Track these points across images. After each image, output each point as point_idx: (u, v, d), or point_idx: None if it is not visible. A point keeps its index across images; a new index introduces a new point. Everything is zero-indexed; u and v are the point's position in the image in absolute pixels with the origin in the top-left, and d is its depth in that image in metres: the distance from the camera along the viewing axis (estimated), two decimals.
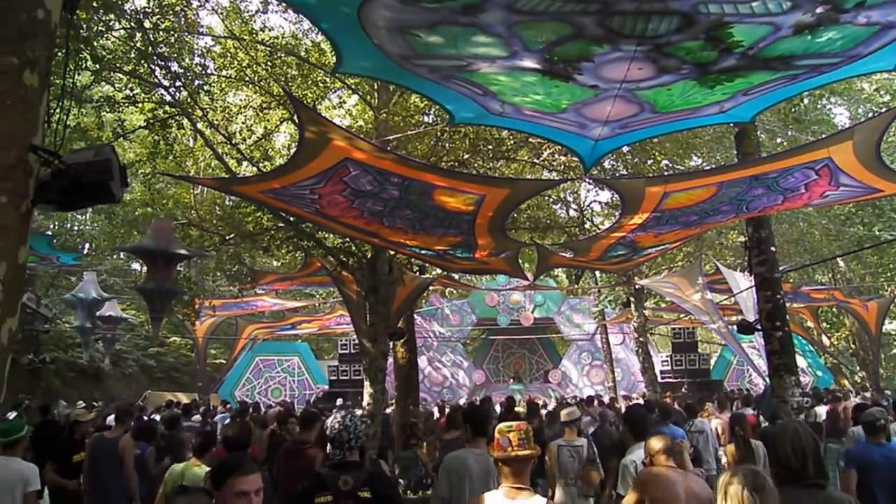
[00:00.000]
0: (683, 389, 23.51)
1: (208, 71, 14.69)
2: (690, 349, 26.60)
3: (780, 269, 11.83)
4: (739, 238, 22.65)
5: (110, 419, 13.77)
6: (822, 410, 12.96)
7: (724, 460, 8.33)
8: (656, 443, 5.08)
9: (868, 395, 18.94)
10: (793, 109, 14.53)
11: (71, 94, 3.42)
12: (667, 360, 26.57)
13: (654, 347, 30.03)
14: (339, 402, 20.12)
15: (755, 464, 6.39)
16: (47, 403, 10.53)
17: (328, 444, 4.45)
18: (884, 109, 16.58)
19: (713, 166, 18.54)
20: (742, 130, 11.17)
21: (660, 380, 24.20)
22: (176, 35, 13.26)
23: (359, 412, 13.45)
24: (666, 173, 15.83)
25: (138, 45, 12.77)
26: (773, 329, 10.60)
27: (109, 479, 7.77)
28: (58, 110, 3.29)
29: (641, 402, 17.04)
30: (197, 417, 15.59)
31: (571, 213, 22.79)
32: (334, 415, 4.67)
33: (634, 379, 29.39)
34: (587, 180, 15.36)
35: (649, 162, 15.66)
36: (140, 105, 13.94)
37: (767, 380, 11.86)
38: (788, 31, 4.74)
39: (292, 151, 15.98)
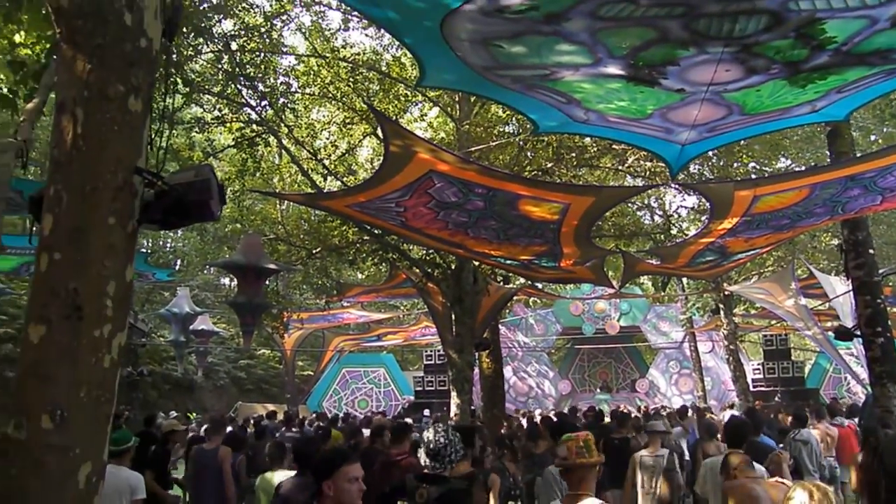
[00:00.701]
0: (777, 398, 22.79)
1: (292, 89, 15.03)
2: (783, 356, 25.73)
3: (880, 272, 11.35)
4: (833, 241, 21.90)
5: (204, 431, 14.19)
6: None
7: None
8: (734, 459, 5.09)
9: None
10: (889, 105, 13.96)
11: (167, 117, 3.55)
12: (758, 368, 25.76)
13: (745, 355, 29.19)
14: (427, 413, 20.17)
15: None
16: (152, 414, 10.92)
17: (426, 456, 4.48)
18: None
19: (804, 167, 17.99)
20: (835, 129, 10.77)
21: (752, 388, 23.48)
22: (261, 56, 13.61)
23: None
24: (753, 176, 15.44)
25: (226, 66, 13.16)
26: (874, 335, 10.16)
27: (209, 489, 8.01)
28: (157, 133, 3.41)
29: (735, 412, 16.61)
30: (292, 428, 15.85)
31: (657, 218, 22.43)
32: (433, 428, 4.71)
33: (725, 388, 28.62)
34: (674, 186, 15.08)
35: (736, 165, 15.30)
36: (228, 125, 14.37)
37: (868, 388, 11.38)
38: (886, 23, 4.56)
39: (375, 165, 16.21)
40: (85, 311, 2.82)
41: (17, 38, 8.21)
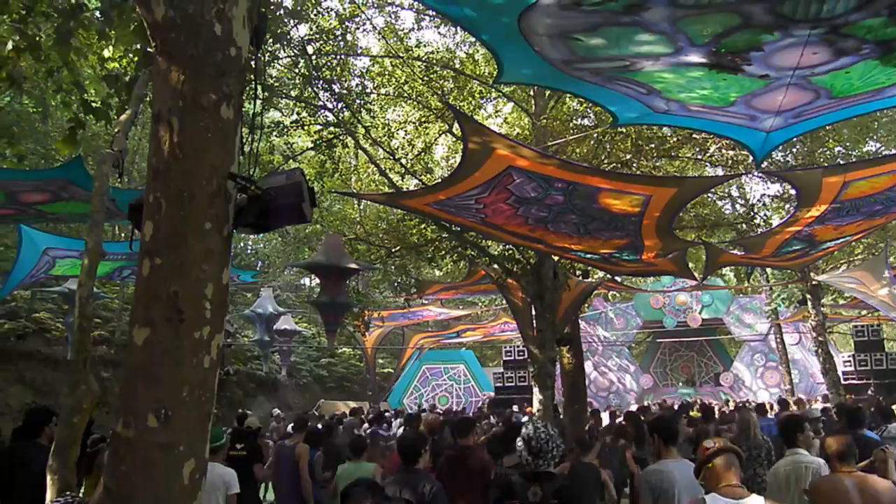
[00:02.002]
0: (870, 391, 21.99)
1: (368, 90, 15.20)
2: (876, 348, 24.77)
3: None
4: None
5: (290, 428, 14.50)
6: None
7: None
8: (832, 443, 4.82)
9: None
10: None
11: (256, 123, 3.65)
12: (849, 361, 24.87)
13: (834, 347, 28.25)
14: (515, 408, 20.13)
15: None
16: (245, 413, 11.25)
17: (527, 454, 4.43)
18: None
19: (895, 151, 17.33)
20: None
21: (843, 381, 22.70)
22: (337, 58, 13.80)
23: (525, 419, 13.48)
24: (840, 161, 14.95)
25: (302, 70, 13.39)
26: None
27: (289, 485, 8.20)
28: (249, 139, 3.50)
29: (827, 405, 16.12)
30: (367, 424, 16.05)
31: (739, 208, 21.92)
32: (532, 424, 4.67)
33: (814, 381, 27.79)
34: (758, 174, 14.71)
35: (822, 150, 14.84)
36: (306, 127, 14.61)
37: None
38: None
39: (451, 163, 16.28)
40: (186, 314, 2.92)
41: (106, 54, 8.54)
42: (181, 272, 2.95)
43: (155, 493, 2.84)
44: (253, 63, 3.58)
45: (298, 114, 14.50)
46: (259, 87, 10.95)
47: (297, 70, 13.69)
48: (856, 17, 4.62)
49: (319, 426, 13.69)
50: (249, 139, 3.60)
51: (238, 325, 31.34)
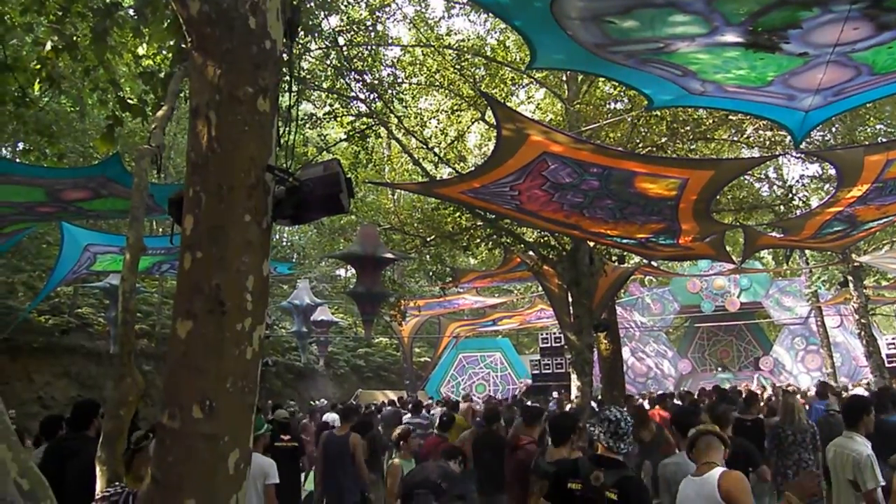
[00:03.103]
0: None
1: (399, 79, 15.21)
2: None
3: None
4: None
5: (328, 416, 14.61)
6: None
7: None
8: None
9: None
10: None
11: (291, 116, 3.67)
12: (893, 343, 24.47)
13: (878, 329, 27.79)
14: (556, 395, 20.10)
15: None
16: (279, 403, 11.39)
17: (607, 437, 4.39)
18: None
19: None
20: None
21: (887, 364, 22.31)
22: (368, 49, 13.82)
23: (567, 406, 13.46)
24: (882, 139, 14.67)
25: (334, 62, 13.43)
26: None
27: (342, 473, 8.27)
28: (285, 131, 3.52)
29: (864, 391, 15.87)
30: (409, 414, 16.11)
31: (776, 190, 21.60)
32: (615, 407, 4.71)
33: (856, 364, 27.39)
34: (796, 155, 14.49)
35: (861, 128, 14.58)
36: (339, 119, 14.66)
37: None
38: None
39: (485, 150, 16.24)
40: (227, 306, 2.95)
41: (141, 51, 8.64)
42: (222, 265, 2.98)
43: (201, 483, 2.87)
44: (286, 55, 3.58)
45: (331, 105, 14.55)
46: (293, 80, 11.02)
47: (328, 62, 13.73)
48: None
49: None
50: (285, 131, 3.62)
51: (276, 316, 31.63)
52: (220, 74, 3.07)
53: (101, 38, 6.71)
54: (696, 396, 16.27)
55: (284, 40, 3.43)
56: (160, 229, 23.71)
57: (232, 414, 2.96)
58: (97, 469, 4.15)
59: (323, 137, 15.61)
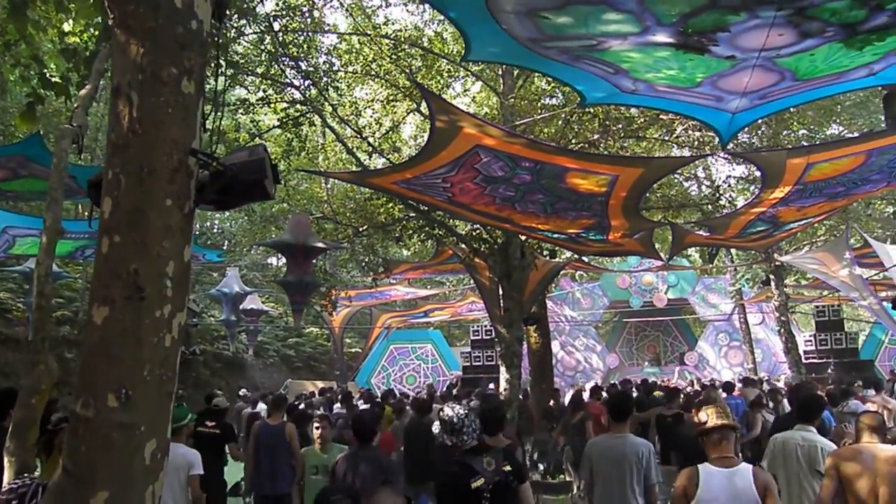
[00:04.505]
0: (830, 370, 22.40)
1: (335, 67, 15.06)
2: (836, 328, 25.19)
3: None
4: (888, 208, 21.40)
5: (259, 406, 14.46)
6: None
7: None
8: (866, 419, 5.06)
9: None
10: None
11: (215, 99, 3.58)
12: (810, 340, 25.29)
13: (797, 326, 28.70)
14: (491, 386, 20.22)
15: None
16: (212, 393, 11.19)
17: (446, 433, 4.75)
18: None
19: (857, 133, 17.55)
20: (891, 93, 10.51)
21: (804, 360, 23.11)
22: (304, 35, 13.64)
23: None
24: (804, 143, 15.12)
25: (269, 47, 13.23)
26: None
27: (277, 462, 8.15)
28: (211, 115, 3.44)
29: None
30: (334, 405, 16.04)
31: (705, 189, 22.10)
32: (449, 406, 5.07)
33: (776, 360, 28.25)
34: (723, 155, 14.83)
35: (786, 132, 14.99)
36: (273, 105, 14.45)
37: None
38: None
39: (420, 142, 16.24)
40: (146, 292, 2.87)
41: (66, 27, 8.35)
42: (141, 250, 2.90)
43: (116, 474, 2.79)
44: (217, 38, 3.49)
45: (265, 91, 14.35)
46: (224, 63, 10.77)
47: (263, 47, 13.52)
48: (820, 0, 4.65)
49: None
50: (213, 115, 3.54)
51: (204, 304, 31.10)
52: (142, 53, 2.98)
53: (20, 10, 6.44)
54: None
55: (213, 22, 3.34)
56: (86, 213, 23.01)
57: (149, 402, 2.89)
58: (5, 460, 4.01)
59: (256, 123, 15.31)
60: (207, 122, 3.44)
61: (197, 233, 29.09)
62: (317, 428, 7.29)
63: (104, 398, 2.79)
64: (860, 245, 18.23)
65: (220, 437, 8.82)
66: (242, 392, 18.29)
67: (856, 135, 16.85)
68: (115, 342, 2.85)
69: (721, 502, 4.20)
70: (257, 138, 14.97)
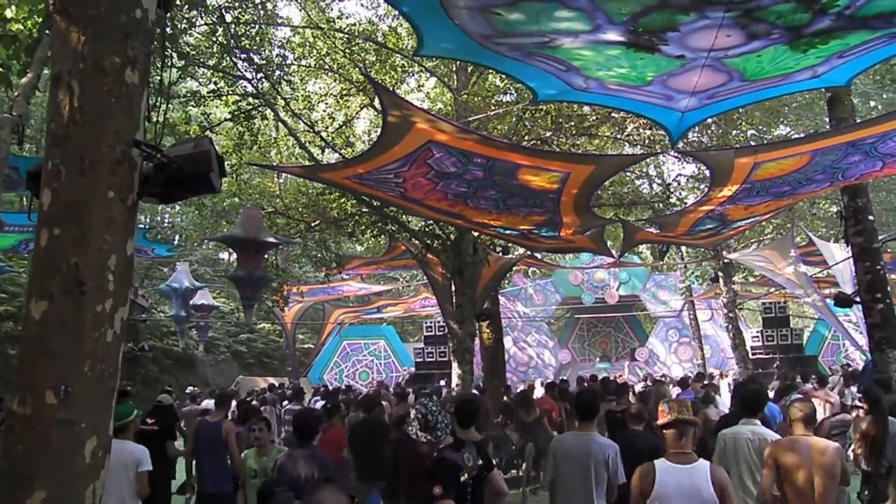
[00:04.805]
0: (776, 366, 22.87)
1: (288, 61, 14.92)
2: (782, 324, 25.74)
3: (880, 238, 11.33)
4: (833, 208, 21.87)
5: (206, 403, 14.24)
6: None
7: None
8: (796, 410, 5.12)
9: None
10: (890, 70, 13.86)
11: (161, 91, 3.52)
12: (757, 336, 25.80)
13: (744, 323, 29.26)
14: (443, 383, 20.21)
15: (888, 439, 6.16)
16: (166, 388, 11.01)
17: (420, 430, 4.77)
18: None
19: (803, 134, 17.92)
20: (835, 95, 10.72)
21: (751, 356, 23.60)
22: (256, 27, 13.49)
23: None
24: (753, 143, 15.38)
25: (220, 39, 13.05)
26: (874, 301, 10.18)
27: (215, 460, 8.03)
28: (156, 106, 3.38)
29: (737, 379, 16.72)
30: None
31: (656, 187, 22.38)
32: (422, 402, 5.13)
33: (724, 356, 28.74)
34: (674, 154, 15.03)
35: (735, 132, 15.24)
36: (224, 98, 14.27)
37: (868, 355, 11.42)
38: None
39: (373, 137, 16.19)
40: (87, 286, 2.81)
41: (9, 13, 8.13)
42: (82, 243, 2.83)
43: (54, 473, 2.73)
44: (164, 28, 3.43)
45: (216, 84, 14.15)
46: (174, 54, 10.60)
47: (214, 38, 13.33)
48: (767, 2, 4.72)
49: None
50: (158, 106, 3.48)
51: (153, 299, 30.61)
52: (84, 42, 2.91)
53: None
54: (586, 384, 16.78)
55: (158, 11, 3.28)
56: (33, 204, 22.42)
57: (89, 399, 2.83)
58: None
59: (207, 116, 15.11)
60: (154, 113, 3.38)
61: (146, 227, 28.56)
62: (253, 430, 7.02)
63: (42, 395, 2.73)
64: (805, 243, 18.65)
65: (159, 434, 8.63)
66: (189, 389, 18.01)
67: (801, 136, 17.21)
68: (53, 337, 2.78)
69: (677, 499, 4.22)
70: (208, 131, 14.78)
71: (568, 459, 5.59)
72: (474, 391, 13.96)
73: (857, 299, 10.75)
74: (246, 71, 13.47)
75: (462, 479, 4.46)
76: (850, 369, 17.33)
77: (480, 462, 4.59)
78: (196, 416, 11.50)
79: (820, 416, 10.00)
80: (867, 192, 10.90)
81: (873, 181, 16.30)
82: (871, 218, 10.69)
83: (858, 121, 11.01)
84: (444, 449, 4.76)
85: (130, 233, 3.03)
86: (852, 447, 6.79)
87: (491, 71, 12.05)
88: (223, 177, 3.26)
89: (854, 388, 13.00)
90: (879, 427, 6.23)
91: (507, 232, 11.30)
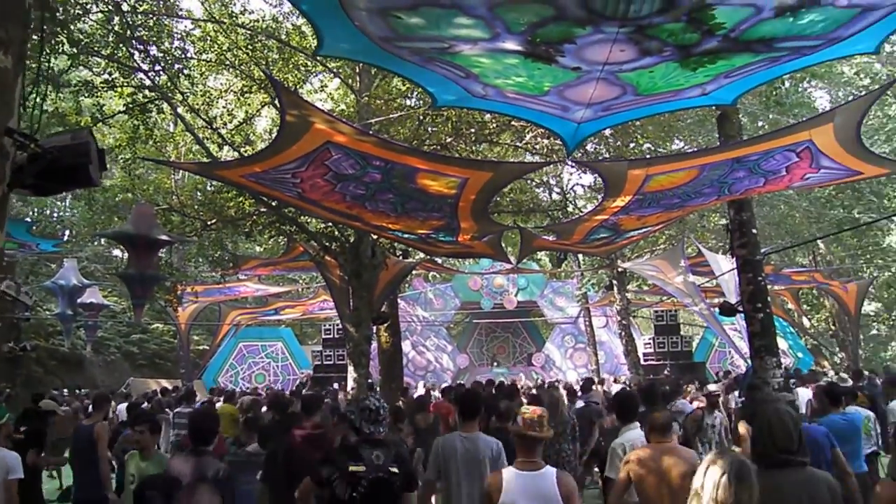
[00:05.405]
0: (666, 372, 23.66)
1: (188, 55, 14.56)
2: (673, 331, 26.65)
3: (762, 251, 11.86)
4: (721, 221, 22.78)
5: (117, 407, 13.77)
6: (803, 392, 13.00)
7: (742, 433, 8.27)
8: (655, 418, 5.23)
9: (844, 375, 19.20)
10: (774, 92, 14.54)
11: (47, 77, 3.38)
12: (650, 343, 26.64)
13: (638, 330, 30.13)
14: (336, 386, 20.05)
15: None
16: (40, 392, 10.44)
17: (365, 422, 4.74)
18: (864, 93, 16.65)
19: (695, 149, 18.57)
20: (724, 113, 11.18)
21: (643, 362, 24.33)
22: (154, 18, 13.11)
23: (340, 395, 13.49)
24: (648, 156, 15.86)
25: (116, 28, 12.64)
26: (755, 311, 10.63)
27: (85, 465, 7.68)
28: (34, 94, 3.24)
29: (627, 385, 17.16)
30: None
31: (554, 196, 22.83)
32: (371, 396, 5.14)
33: (618, 361, 29.52)
34: (570, 163, 15.36)
35: (631, 145, 15.68)
36: (119, 89, 13.81)
37: (749, 361, 11.92)
38: (770, 13, 4.72)
39: (274, 136, 15.96)
40: None
41: None
42: None
43: None
44: (50, 12, 3.29)
45: (111, 74, 13.67)
46: (64, 41, 10.21)
47: (110, 27, 12.88)
48: (659, 20, 4.85)
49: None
50: (38, 93, 3.33)
51: (38, 297, 29.30)
52: None
53: None
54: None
55: None
56: None
57: None
58: None
59: (100, 107, 14.54)
60: (33, 101, 3.25)
61: (32, 220, 27.29)
62: (135, 431, 6.65)
63: None
64: (695, 254, 19.35)
65: (24, 442, 8.14)
66: (77, 392, 17.36)
67: (693, 150, 17.84)
68: None
69: (523, 501, 4.34)
70: (101, 123, 14.28)
71: (453, 460, 5.66)
72: (371, 394, 13.92)
73: (741, 308, 11.20)
74: (143, 62, 13.08)
75: (353, 468, 4.48)
76: (733, 376, 18.08)
77: (395, 470, 4.54)
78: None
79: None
80: (752, 207, 11.38)
81: (758, 196, 17.06)
82: (754, 231, 11.16)
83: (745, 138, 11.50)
84: (358, 441, 4.78)
85: (1, 225, 2.89)
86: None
87: (394, 74, 12.07)
88: (104, 170, 3.15)
89: (736, 394, 13.53)
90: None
91: (406, 236, 11.30)
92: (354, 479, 4.47)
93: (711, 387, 11.01)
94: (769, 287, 12.73)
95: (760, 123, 22.94)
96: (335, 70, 14.79)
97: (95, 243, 35.75)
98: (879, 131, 20.63)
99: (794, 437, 3.70)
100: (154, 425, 6.69)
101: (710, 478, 3.07)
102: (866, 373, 17.21)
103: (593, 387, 13.79)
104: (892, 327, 32.45)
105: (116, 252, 37.47)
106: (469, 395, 6.42)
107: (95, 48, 13.05)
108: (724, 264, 16.33)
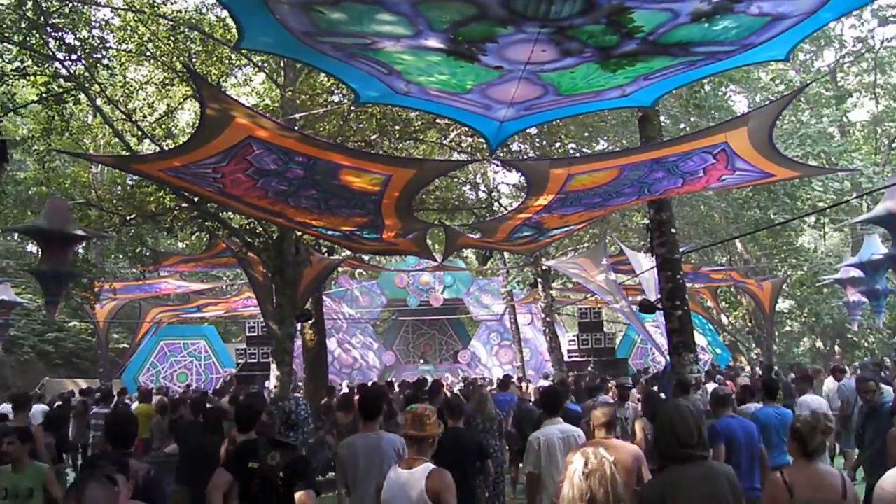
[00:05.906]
0: (590, 368, 24.00)
1: (107, 44, 14.13)
2: (596, 329, 27.01)
3: (681, 250, 12.16)
4: (643, 220, 23.26)
5: (2, 407, 13.24)
6: (710, 388, 13.36)
7: (638, 436, 8.49)
8: (598, 416, 5.26)
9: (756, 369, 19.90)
10: (694, 96, 14.92)
11: None
12: (574, 340, 26.95)
13: (562, 327, 30.54)
14: (255, 386, 19.75)
15: None
16: None
17: (284, 427, 4.77)
18: (778, 98, 17.20)
19: (617, 150, 18.89)
20: (645, 115, 11.41)
21: (567, 359, 24.65)
22: (71, 5, 12.70)
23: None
24: (570, 156, 16.10)
25: (29, 14, 12.20)
26: (674, 308, 10.89)
27: None
28: None
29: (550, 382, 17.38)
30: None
31: (480, 194, 22.95)
32: (293, 400, 5.06)
33: (542, 358, 29.86)
34: (493, 161, 15.48)
35: (556, 145, 15.87)
36: (32, 78, 13.34)
37: (668, 357, 12.20)
38: (686, 18, 4.83)
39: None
40: None
41: None
42: None
43: None
44: None
45: (23, 62, 13.18)
46: None
47: (22, 12, 12.42)
48: (579, 22, 4.91)
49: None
50: None
51: None
52: None
53: None
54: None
55: None
56: None
57: None
58: None
59: (11, 97, 14.02)
60: None
61: None
62: (6, 444, 6.02)
63: None
64: (617, 253, 19.70)
65: None
66: None
67: (615, 150, 18.15)
68: None
69: (394, 500, 4.41)
70: (12, 113, 13.78)
71: (359, 459, 5.69)
72: (292, 396, 13.79)
73: (660, 306, 11.46)
74: (58, 51, 12.65)
75: (251, 464, 4.60)
76: (651, 373, 18.49)
77: (283, 474, 4.54)
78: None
79: None
80: (671, 207, 11.65)
81: (678, 196, 17.47)
82: (673, 231, 11.43)
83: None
84: (261, 440, 4.86)
85: None
86: None
87: (315, 68, 11.97)
88: (5, 162, 3.03)
89: (655, 388, 13.84)
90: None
91: (330, 233, 11.22)
92: (248, 476, 4.61)
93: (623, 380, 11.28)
94: (688, 285, 13.06)
95: (682, 126, 23.45)
96: (260, 64, 14.58)
97: (7, 238, 34.49)
98: (793, 136, 21.30)
99: (695, 433, 3.80)
100: (25, 434, 6.29)
101: (567, 473, 3.34)
102: (776, 368, 17.82)
103: (511, 385, 13.91)
104: (803, 324, 33.56)
105: (31, 248, 36.24)
106: (369, 395, 6.38)
107: (6, 34, 12.57)
108: (644, 263, 16.64)
